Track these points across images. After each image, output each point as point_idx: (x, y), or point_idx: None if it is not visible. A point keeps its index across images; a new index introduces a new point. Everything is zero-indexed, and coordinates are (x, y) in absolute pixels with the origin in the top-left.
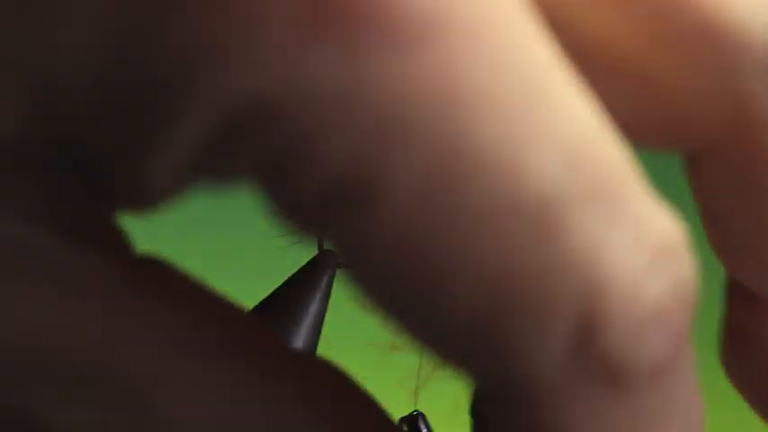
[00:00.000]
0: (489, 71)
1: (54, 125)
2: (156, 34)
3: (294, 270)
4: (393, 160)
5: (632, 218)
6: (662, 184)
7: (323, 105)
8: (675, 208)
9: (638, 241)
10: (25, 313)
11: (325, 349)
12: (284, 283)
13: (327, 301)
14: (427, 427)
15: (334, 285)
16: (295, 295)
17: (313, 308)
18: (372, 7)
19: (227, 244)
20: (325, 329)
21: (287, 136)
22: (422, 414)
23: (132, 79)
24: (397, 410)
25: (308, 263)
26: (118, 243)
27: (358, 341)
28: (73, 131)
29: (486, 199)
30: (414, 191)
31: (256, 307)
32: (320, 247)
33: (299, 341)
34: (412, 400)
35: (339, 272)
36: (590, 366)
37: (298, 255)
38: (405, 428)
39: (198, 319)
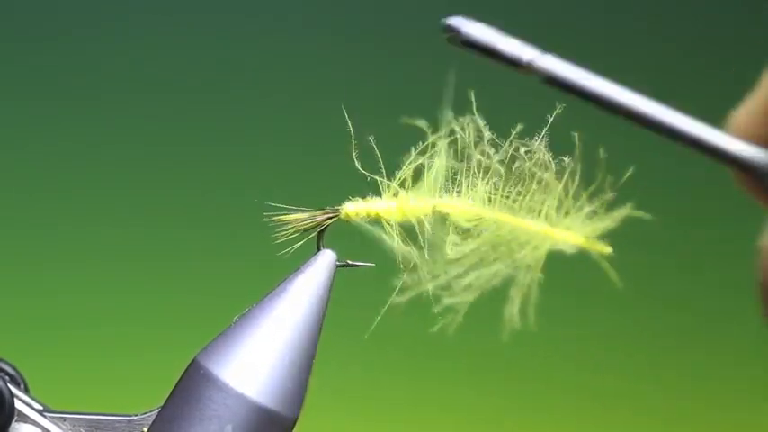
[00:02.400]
0: None
1: None
2: None
3: (294, 270)
4: None
5: None
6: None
7: None
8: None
9: None
10: None
11: (325, 349)
12: (283, 282)
13: (327, 300)
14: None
15: (334, 285)
16: (295, 295)
17: (313, 307)
18: None
19: (226, 243)
20: (324, 329)
21: None
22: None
23: None
24: (394, 408)
25: (308, 262)
26: None
27: (358, 340)
28: None
29: None
30: None
31: (257, 306)
32: (320, 247)
33: (299, 341)
34: (411, 397)
35: (339, 272)
36: None
37: (297, 254)
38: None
39: None
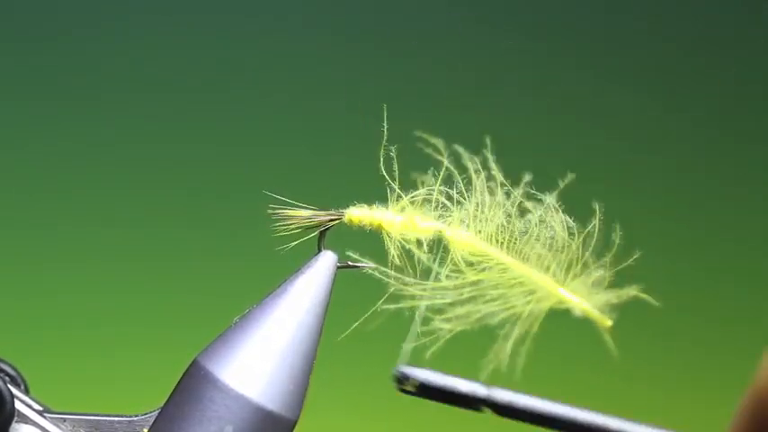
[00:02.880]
0: None
1: None
2: None
3: (294, 270)
4: None
5: None
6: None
7: None
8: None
9: None
10: None
11: (325, 349)
12: (284, 283)
13: (328, 301)
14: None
15: (334, 285)
16: (295, 296)
17: (314, 309)
18: None
19: (226, 243)
20: (325, 330)
21: None
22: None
23: None
24: (394, 408)
25: (309, 263)
26: None
27: (357, 340)
28: None
29: None
30: None
31: (257, 307)
32: (321, 248)
33: (299, 342)
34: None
35: (340, 272)
36: None
37: (298, 255)
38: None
39: None
